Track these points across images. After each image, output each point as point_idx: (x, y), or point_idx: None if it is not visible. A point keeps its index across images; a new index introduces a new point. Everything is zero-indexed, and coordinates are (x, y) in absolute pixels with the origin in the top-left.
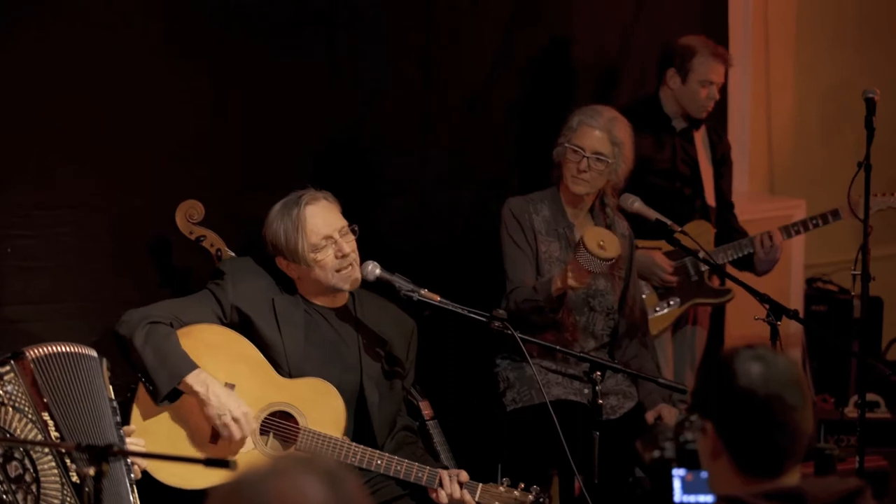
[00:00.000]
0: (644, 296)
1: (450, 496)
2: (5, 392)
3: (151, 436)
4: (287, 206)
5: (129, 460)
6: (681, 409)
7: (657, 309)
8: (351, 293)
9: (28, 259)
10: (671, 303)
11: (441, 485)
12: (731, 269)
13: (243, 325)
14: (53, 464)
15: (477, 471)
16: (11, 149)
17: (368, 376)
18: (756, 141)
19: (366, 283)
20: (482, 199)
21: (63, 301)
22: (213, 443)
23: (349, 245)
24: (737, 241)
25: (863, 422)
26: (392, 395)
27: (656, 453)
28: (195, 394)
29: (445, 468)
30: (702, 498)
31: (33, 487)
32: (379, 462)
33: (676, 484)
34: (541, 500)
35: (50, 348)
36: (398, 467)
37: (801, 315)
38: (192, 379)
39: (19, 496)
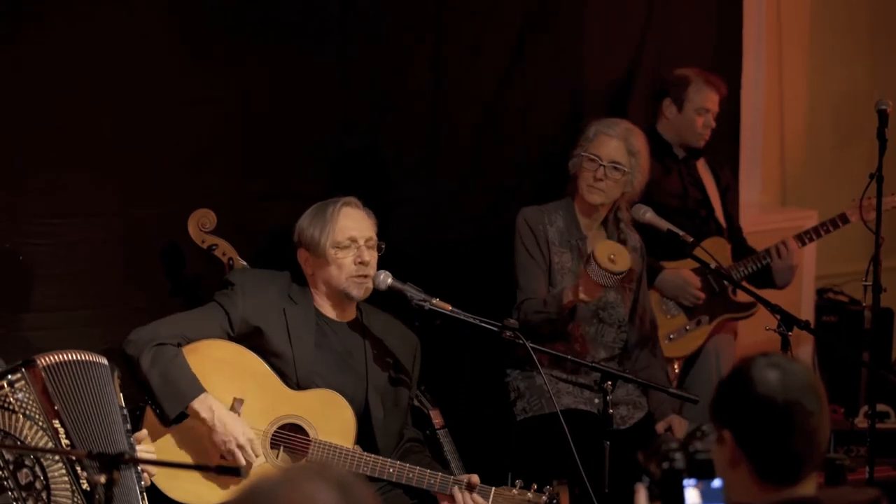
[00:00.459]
0: (672, 316)
1: None
2: (16, 400)
3: (162, 455)
4: (325, 203)
5: (139, 468)
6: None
7: (687, 328)
8: (358, 308)
9: (41, 267)
10: (701, 321)
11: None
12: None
13: (252, 336)
14: (64, 471)
15: (487, 480)
16: (27, 157)
17: (374, 389)
18: (768, 152)
19: (377, 293)
20: (493, 209)
21: (75, 309)
22: (224, 460)
23: (370, 255)
24: (752, 255)
25: (873, 432)
26: (397, 410)
27: (665, 464)
28: (202, 418)
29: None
30: None
31: (44, 495)
32: (391, 470)
33: (688, 494)
34: (554, 502)
35: (61, 356)
36: (410, 475)
37: (812, 326)
38: (198, 404)
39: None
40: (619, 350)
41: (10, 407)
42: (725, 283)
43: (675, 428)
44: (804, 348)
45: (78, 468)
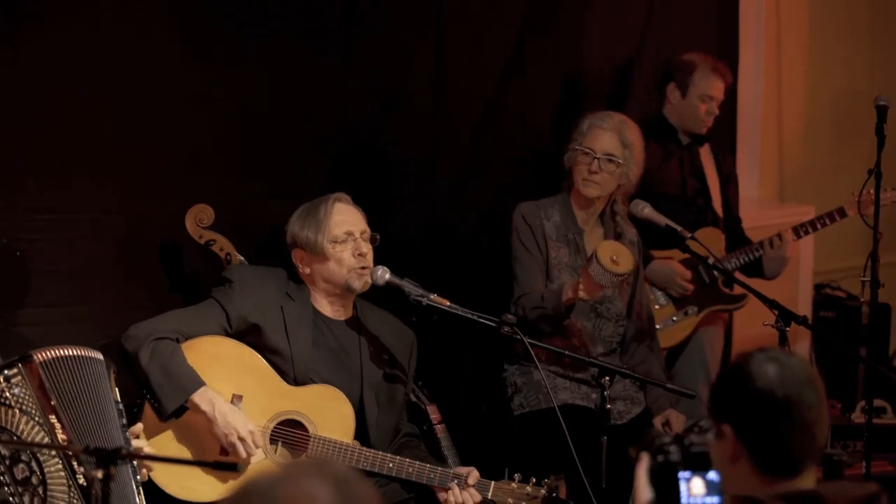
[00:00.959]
0: (660, 306)
1: None
2: (13, 395)
3: (162, 451)
4: (316, 202)
5: (135, 463)
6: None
7: (674, 318)
8: (355, 305)
9: (39, 263)
10: (689, 311)
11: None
12: (739, 276)
13: (250, 333)
14: (60, 466)
15: (485, 475)
16: (26, 154)
17: (370, 386)
18: (766, 147)
19: (375, 288)
20: (492, 205)
21: (73, 305)
22: (223, 455)
23: (367, 247)
24: (746, 246)
25: (870, 427)
26: (392, 406)
27: (660, 457)
28: (201, 412)
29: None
30: (708, 500)
31: (40, 490)
32: (391, 465)
33: (683, 487)
34: (553, 493)
35: (57, 352)
36: (410, 469)
37: (810, 321)
38: (198, 397)
39: (26, 499)
40: (616, 345)
41: (7, 402)
42: (716, 274)
43: (672, 423)
44: (801, 344)
45: (74, 463)
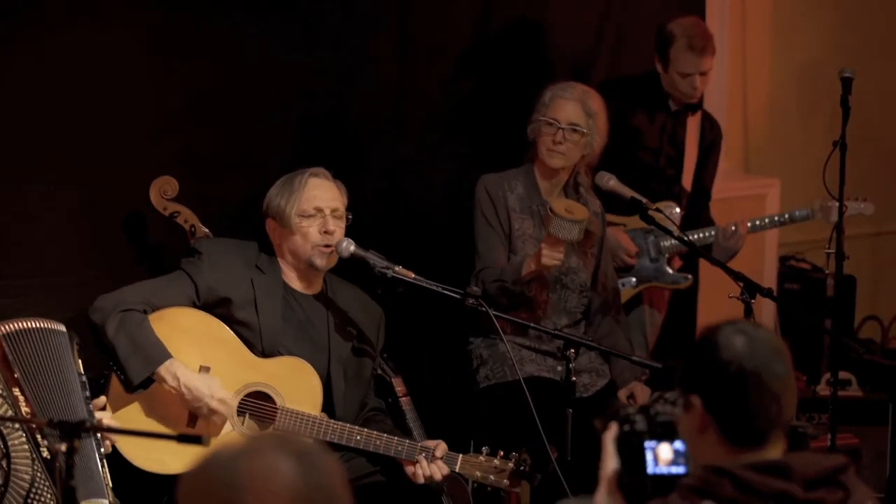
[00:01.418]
0: None
1: (427, 478)
2: None
3: (129, 424)
4: (294, 173)
5: (99, 435)
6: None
7: None
8: (325, 280)
9: (2, 236)
10: (625, 283)
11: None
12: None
13: (219, 305)
14: (24, 439)
15: (450, 447)
16: None
17: (337, 360)
18: (731, 119)
19: (340, 261)
20: (456, 177)
21: (36, 277)
22: (192, 426)
23: (336, 226)
24: (700, 228)
25: (835, 400)
26: (359, 381)
27: (626, 426)
28: (169, 385)
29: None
30: (675, 469)
31: (3, 463)
32: (358, 438)
33: (649, 456)
34: (521, 466)
35: (20, 324)
36: (378, 442)
37: (775, 293)
38: (165, 369)
39: None
40: (580, 315)
41: None
42: (668, 254)
43: (637, 395)
44: (766, 316)
45: (38, 436)
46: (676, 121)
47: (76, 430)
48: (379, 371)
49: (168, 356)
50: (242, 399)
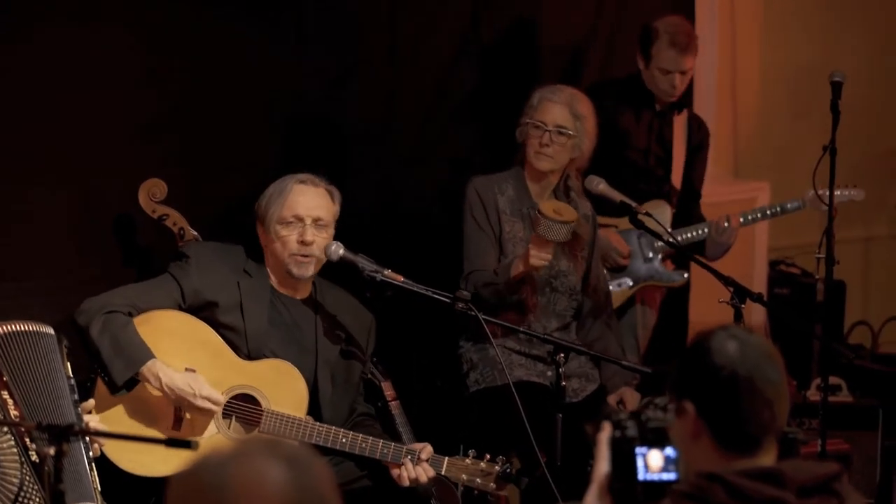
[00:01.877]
0: None
1: (413, 480)
2: None
3: (114, 426)
4: (285, 178)
5: (88, 439)
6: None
7: None
8: (314, 284)
9: None
10: (621, 283)
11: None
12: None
13: (204, 308)
14: (13, 443)
15: (439, 452)
16: None
17: (324, 365)
18: (721, 123)
19: (329, 264)
20: (446, 180)
21: (25, 280)
22: (177, 429)
23: (316, 237)
24: (692, 225)
25: (825, 405)
26: (347, 386)
27: (617, 433)
28: (152, 384)
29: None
30: (665, 476)
31: None
32: (344, 440)
33: (640, 463)
34: (507, 469)
35: (8, 327)
36: (363, 444)
37: (765, 298)
38: (148, 370)
39: None
40: (570, 318)
41: None
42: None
43: (626, 400)
44: (756, 321)
45: (27, 440)
46: (663, 120)
47: (65, 433)
48: (368, 376)
49: (151, 356)
50: (228, 401)
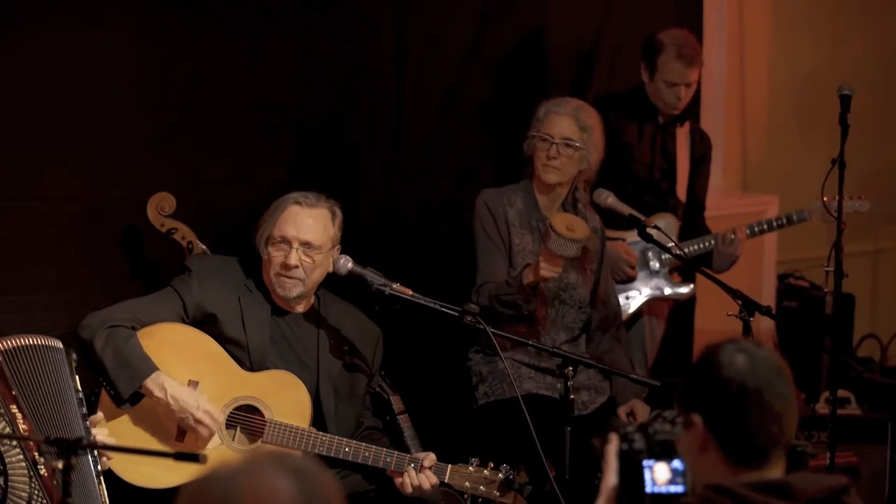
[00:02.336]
0: None
1: (416, 487)
2: None
3: (117, 438)
4: (288, 195)
5: (96, 452)
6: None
7: None
8: (318, 297)
9: None
10: (630, 295)
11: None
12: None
13: (207, 322)
14: (22, 457)
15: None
16: None
17: (326, 379)
18: (730, 137)
19: (338, 278)
20: (455, 192)
21: (34, 293)
22: (180, 441)
23: (301, 260)
24: (699, 237)
25: (834, 418)
26: (352, 400)
27: (624, 445)
28: (156, 397)
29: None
30: (673, 488)
31: (1, 480)
32: (347, 449)
33: (647, 475)
34: (510, 476)
35: (18, 341)
36: (366, 454)
37: (773, 311)
38: (152, 382)
39: None
40: (579, 331)
41: None
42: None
43: (637, 412)
44: (765, 334)
45: (35, 454)
46: (666, 132)
47: (73, 447)
48: (377, 389)
49: (154, 369)
50: (231, 412)
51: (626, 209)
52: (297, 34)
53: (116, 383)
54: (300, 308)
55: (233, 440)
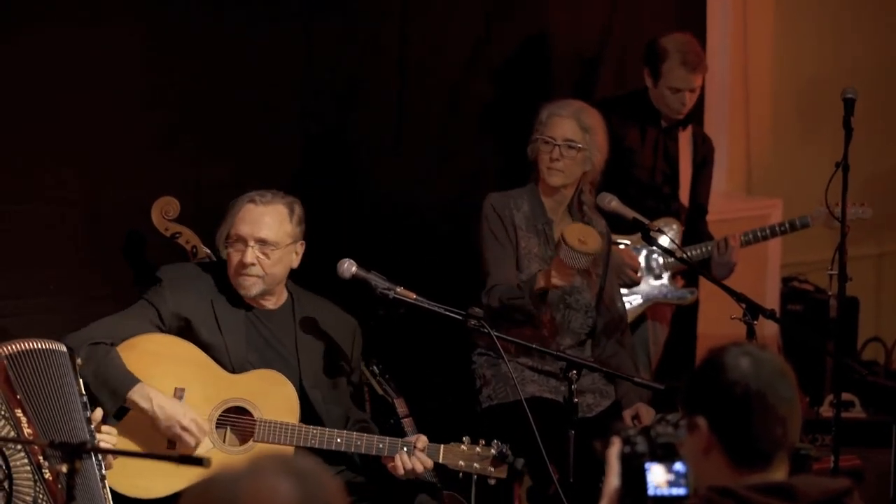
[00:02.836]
0: None
1: (409, 470)
2: None
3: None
4: (243, 195)
5: (100, 455)
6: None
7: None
8: (290, 294)
9: (2, 255)
10: (632, 301)
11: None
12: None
13: (184, 330)
14: (26, 461)
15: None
16: None
17: (308, 374)
18: (733, 140)
19: (342, 281)
20: (459, 196)
21: (36, 296)
22: (172, 449)
23: (258, 258)
24: (699, 243)
25: (838, 421)
26: (336, 395)
27: (626, 448)
28: (142, 408)
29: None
30: (675, 491)
31: (5, 484)
32: (339, 440)
33: (650, 478)
34: (503, 450)
35: (22, 345)
36: (359, 442)
37: (777, 314)
38: (137, 394)
39: None
40: (585, 336)
41: None
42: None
43: (641, 416)
44: (769, 337)
45: (40, 458)
46: (668, 136)
47: (77, 451)
48: (381, 392)
49: (135, 381)
50: (221, 415)
51: (630, 213)
52: (299, 36)
53: (100, 400)
54: (270, 305)
55: (224, 443)
